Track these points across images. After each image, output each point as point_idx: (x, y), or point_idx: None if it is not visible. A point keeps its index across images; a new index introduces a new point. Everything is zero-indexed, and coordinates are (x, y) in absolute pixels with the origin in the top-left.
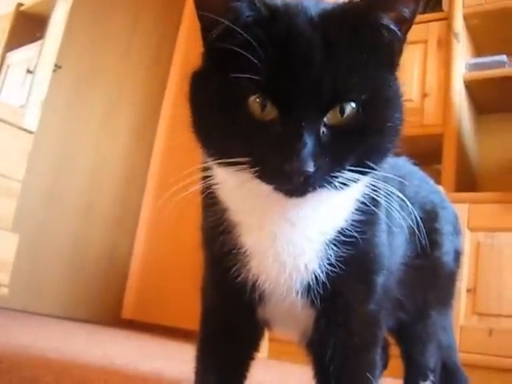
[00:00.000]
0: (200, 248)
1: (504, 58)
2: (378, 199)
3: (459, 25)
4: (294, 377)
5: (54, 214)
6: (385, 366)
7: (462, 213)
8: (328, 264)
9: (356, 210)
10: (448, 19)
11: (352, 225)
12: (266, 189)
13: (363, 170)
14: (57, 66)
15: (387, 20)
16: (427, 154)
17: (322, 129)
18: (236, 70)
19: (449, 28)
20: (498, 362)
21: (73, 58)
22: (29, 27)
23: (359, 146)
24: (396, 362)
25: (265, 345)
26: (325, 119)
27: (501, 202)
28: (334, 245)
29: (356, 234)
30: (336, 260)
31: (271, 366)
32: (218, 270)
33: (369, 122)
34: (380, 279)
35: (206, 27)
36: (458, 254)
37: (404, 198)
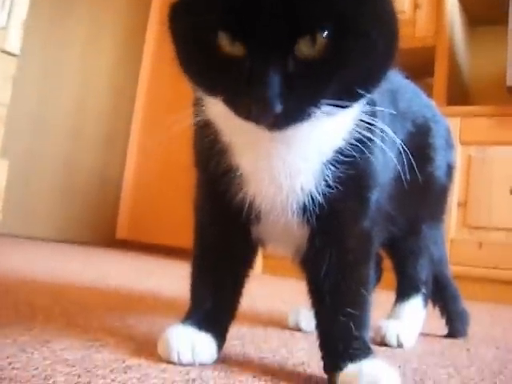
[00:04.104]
0: (192, 167)
1: None
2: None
3: None
4: (288, 290)
5: (43, 138)
6: (378, 280)
7: (453, 127)
8: (325, 185)
9: (354, 128)
10: None
11: (351, 143)
12: None
13: (352, 99)
14: None
15: None
16: (419, 67)
17: (292, 63)
18: (202, 5)
19: None
20: (487, 274)
21: None
22: None
23: (338, 77)
24: (389, 275)
25: (259, 260)
26: (295, 52)
27: (492, 115)
28: (332, 165)
29: (355, 153)
30: (333, 180)
31: (265, 280)
32: (212, 192)
33: (347, 50)
34: (374, 196)
35: None
36: (450, 169)
37: (394, 113)
